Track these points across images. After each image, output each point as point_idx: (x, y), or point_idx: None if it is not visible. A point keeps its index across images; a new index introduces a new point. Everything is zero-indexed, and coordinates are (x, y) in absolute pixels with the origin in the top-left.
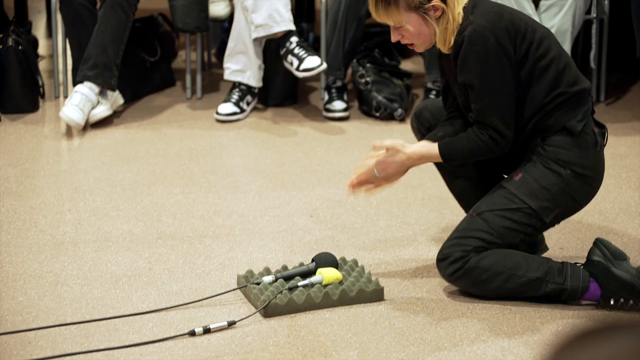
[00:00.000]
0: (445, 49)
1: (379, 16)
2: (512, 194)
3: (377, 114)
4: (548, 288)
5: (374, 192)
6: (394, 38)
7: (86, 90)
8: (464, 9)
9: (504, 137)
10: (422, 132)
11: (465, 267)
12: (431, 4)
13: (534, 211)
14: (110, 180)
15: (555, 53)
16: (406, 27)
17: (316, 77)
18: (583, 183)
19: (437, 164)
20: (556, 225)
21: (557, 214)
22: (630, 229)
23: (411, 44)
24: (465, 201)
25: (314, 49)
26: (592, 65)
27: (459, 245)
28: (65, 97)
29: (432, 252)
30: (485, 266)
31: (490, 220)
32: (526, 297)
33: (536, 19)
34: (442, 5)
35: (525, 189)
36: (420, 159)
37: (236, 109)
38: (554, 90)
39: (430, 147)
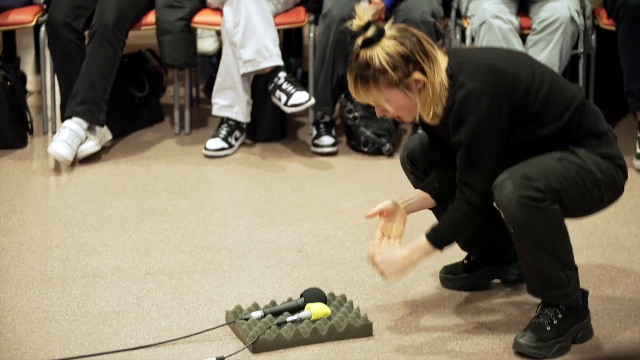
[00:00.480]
0: (428, 119)
1: (358, 96)
2: (583, 160)
3: (365, 149)
4: (563, 278)
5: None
6: (378, 113)
7: (74, 125)
8: (449, 70)
9: (482, 197)
10: (416, 174)
11: (541, 205)
12: (412, 78)
13: (599, 182)
14: (98, 215)
15: (548, 77)
16: (388, 104)
17: (304, 113)
18: (622, 172)
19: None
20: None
21: (609, 197)
22: (618, 262)
23: (398, 117)
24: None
25: (302, 85)
26: None
27: (543, 178)
28: (54, 132)
29: (420, 287)
30: (556, 219)
31: (568, 170)
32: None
33: None
34: (423, 77)
35: (591, 160)
36: (414, 255)
37: (224, 145)
38: (566, 109)
39: (420, 243)
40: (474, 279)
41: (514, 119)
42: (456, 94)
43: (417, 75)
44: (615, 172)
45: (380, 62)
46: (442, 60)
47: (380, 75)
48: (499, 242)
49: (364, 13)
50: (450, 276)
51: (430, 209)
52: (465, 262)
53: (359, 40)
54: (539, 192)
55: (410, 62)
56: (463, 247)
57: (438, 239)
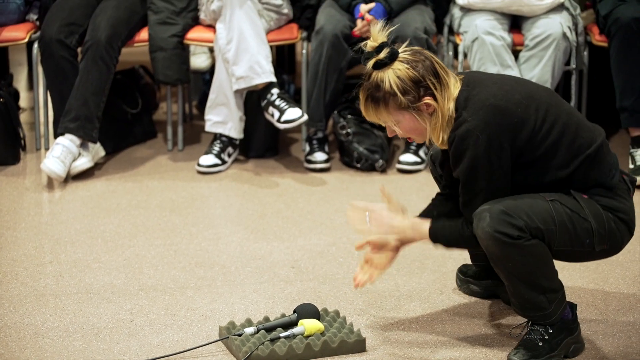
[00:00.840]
0: (438, 144)
1: (369, 115)
2: (581, 206)
3: (359, 165)
4: (542, 300)
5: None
6: (389, 133)
7: (67, 142)
8: (456, 102)
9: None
10: (435, 175)
11: (516, 242)
12: (422, 102)
13: (592, 232)
14: (91, 232)
15: (562, 121)
16: (397, 126)
17: (297, 129)
18: (627, 229)
19: None
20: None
21: (602, 249)
22: (611, 277)
23: (409, 138)
24: (474, 251)
25: (295, 101)
26: None
27: (526, 216)
28: (47, 149)
29: (413, 303)
30: (534, 253)
31: (558, 212)
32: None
33: (516, 70)
34: (434, 103)
35: (591, 208)
36: (411, 229)
37: (217, 161)
38: (574, 159)
39: (421, 228)
40: (477, 287)
41: (517, 161)
42: (457, 129)
43: (427, 100)
44: (616, 225)
45: (390, 86)
46: (454, 87)
47: (390, 98)
48: None
49: (378, 35)
50: (461, 275)
51: None
52: (476, 267)
53: (371, 62)
54: (516, 230)
55: (421, 86)
56: (471, 260)
57: (437, 235)
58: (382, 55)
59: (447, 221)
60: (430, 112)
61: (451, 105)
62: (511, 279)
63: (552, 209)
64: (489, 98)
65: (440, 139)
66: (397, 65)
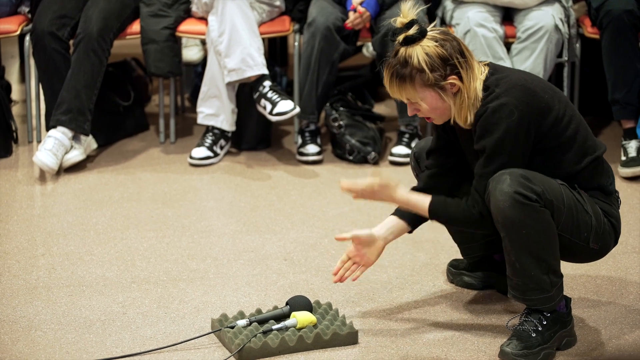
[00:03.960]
0: (462, 123)
1: (392, 92)
2: (584, 200)
3: (351, 158)
4: (546, 281)
5: (359, 273)
6: (410, 112)
7: (59, 135)
8: (486, 82)
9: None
10: (417, 173)
11: (533, 205)
12: (448, 81)
13: (591, 227)
14: (83, 224)
15: (577, 120)
16: (421, 103)
17: (289, 121)
18: (614, 236)
19: None
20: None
21: (593, 249)
22: (603, 270)
23: (428, 117)
24: (465, 245)
25: (287, 93)
26: None
27: (542, 186)
28: (39, 142)
29: (405, 295)
30: (547, 223)
31: (567, 196)
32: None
33: (508, 62)
34: (459, 82)
35: (592, 206)
36: (407, 204)
37: (210, 153)
38: (585, 157)
39: (421, 199)
40: (471, 278)
41: (537, 146)
42: (490, 103)
43: (453, 79)
44: (609, 229)
45: (418, 61)
46: (478, 69)
47: (417, 74)
48: (496, 254)
49: (409, 11)
50: (452, 269)
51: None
52: (468, 260)
53: (401, 37)
54: (534, 194)
55: (448, 65)
56: (462, 254)
57: (437, 211)
58: (412, 31)
59: (449, 198)
60: (454, 92)
61: (477, 85)
62: (520, 252)
63: (562, 191)
64: (520, 79)
65: (466, 118)
66: (425, 42)
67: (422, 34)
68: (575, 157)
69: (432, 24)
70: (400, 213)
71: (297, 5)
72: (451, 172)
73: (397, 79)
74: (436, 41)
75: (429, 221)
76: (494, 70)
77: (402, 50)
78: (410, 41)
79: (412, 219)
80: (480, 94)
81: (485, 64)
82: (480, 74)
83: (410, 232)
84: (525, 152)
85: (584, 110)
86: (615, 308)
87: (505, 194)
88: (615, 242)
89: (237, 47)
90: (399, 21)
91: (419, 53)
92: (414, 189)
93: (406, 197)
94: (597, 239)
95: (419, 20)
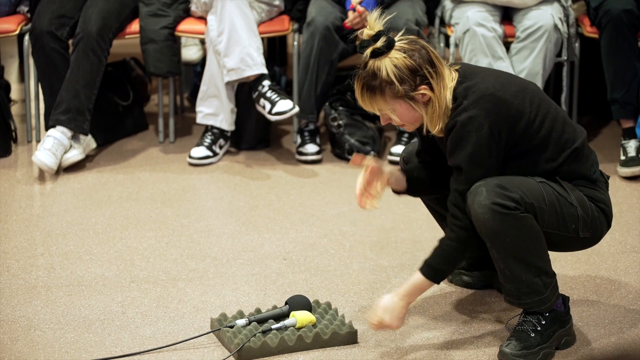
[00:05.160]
0: (435, 132)
1: (364, 104)
2: (567, 192)
3: (350, 157)
4: (538, 283)
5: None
6: (383, 122)
7: (59, 134)
8: (455, 91)
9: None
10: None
11: (512, 213)
12: (418, 92)
13: (577, 218)
14: (83, 224)
15: (552, 116)
16: (392, 114)
17: (289, 121)
18: (606, 220)
19: (428, 207)
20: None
21: (585, 237)
22: (602, 269)
23: (402, 125)
24: None
25: (286, 93)
26: (563, 107)
27: (520, 191)
28: (38, 141)
29: None
30: (529, 227)
31: (548, 193)
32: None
33: (507, 62)
34: (430, 92)
35: (577, 195)
36: (412, 295)
37: (209, 153)
38: (562, 152)
39: (416, 281)
40: (470, 278)
41: (510, 152)
42: (458, 116)
43: (424, 89)
44: (598, 215)
45: (387, 74)
46: (449, 77)
47: (387, 87)
48: None
49: (375, 23)
50: None
51: (432, 213)
52: (466, 261)
53: (368, 51)
54: (512, 202)
55: (418, 75)
56: None
57: (435, 273)
58: (379, 43)
59: (432, 255)
60: (425, 101)
61: (447, 94)
62: (508, 260)
63: (542, 189)
64: (489, 88)
65: (437, 127)
66: (394, 53)
67: (389, 46)
68: (552, 154)
69: (400, 33)
70: (406, 169)
71: (296, 4)
72: (441, 167)
73: (367, 92)
74: (404, 52)
75: (428, 216)
76: (464, 77)
77: (371, 62)
78: (378, 54)
79: (412, 179)
80: (449, 103)
81: (455, 69)
82: (450, 82)
83: (404, 192)
84: (499, 160)
85: (583, 110)
86: (614, 307)
87: (484, 206)
88: (609, 226)
89: (236, 46)
90: (366, 33)
91: (388, 65)
92: (404, 169)
93: (407, 289)
94: (587, 228)
95: (385, 32)
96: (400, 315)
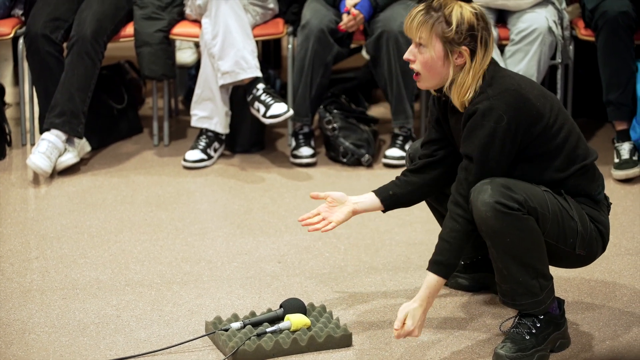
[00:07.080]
0: (456, 102)
1: (411, 24)
2: (570, 205)
3: (345, 160)
4: (535, 285)
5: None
6: (406, 55)
7: (53, 137)
8: (483, 77)
9: None
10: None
11: (515, 213)
12: (461, 48)
13: (577, 232)
14: (77, 227)
15: (568, 127)
16: (425, 51)
17: (283, 124)
18: (602, 243)
19: (430, 206)
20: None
21: (580, 255)
22: (597, 272)
23: (417, 74)
24: None
25: (280, 96)
26: None
27: (524, 194)
28: (32, 144)
29: (400, 298)
30: (530, 228)
31: (551, 202)
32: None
33: (501, 64)
34: (467, 58)
35: (578, 211)
36: (430, 297)
37: (203, 156)
38: (572, 165)
39: (429, 282)
40: (465, 280)
41: (522, 154)
42: (479, 104)
43: (465, 50)
44: (596, 235)
45: (450, 14)
46: (487, 60)
47: (442, 22)
48: (488, 254)
49: None
50: None
51: (436, 218)
52: (462, 262)
53: None
54: (516, 203)
55: (470, 36)
56: None
57: (446, 268)
58: None
59: (436, 252)
60: (458, 64)
61: (480, 72)
62: (506, 259)
63: (546, 198)
64: (514, 84)
65: (460, 97)
66: (466, 5)
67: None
68: (561, 165)
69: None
70: (379, 192)
71: (291, 7)
72: (443, 161)
73: (424, 15)
74: (475, 11)
75: (422, 219)
76: (495, 69)
77: None
78: None
79: (388, 201)
80: (480, 80)
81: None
82: (486, 65)
83: (383, 211)
84: (510, 158)
85: (578, 112)
86: (609, 310)
87: (487, 204)
88: (603, 249)
89: (230, 49)
90: None
91: (456, 8)
92: (406, 171)
93: (423, 295)
94: (584, 245)
95: None
96: (420, 322)
